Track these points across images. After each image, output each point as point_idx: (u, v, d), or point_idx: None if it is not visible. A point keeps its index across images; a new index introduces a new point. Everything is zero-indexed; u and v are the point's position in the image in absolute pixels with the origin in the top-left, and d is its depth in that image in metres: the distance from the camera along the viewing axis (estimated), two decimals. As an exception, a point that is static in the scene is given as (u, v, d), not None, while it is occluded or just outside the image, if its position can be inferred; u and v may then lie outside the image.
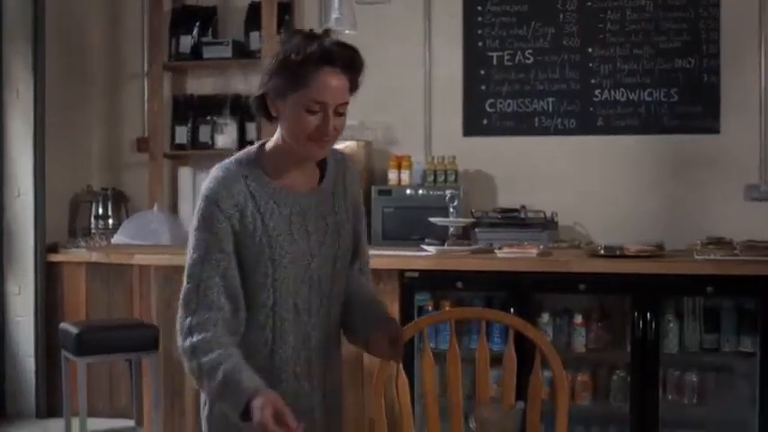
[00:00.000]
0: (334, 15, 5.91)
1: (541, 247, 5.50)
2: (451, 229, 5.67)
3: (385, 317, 2.94)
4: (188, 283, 2.69)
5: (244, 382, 2.54)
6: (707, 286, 4.98)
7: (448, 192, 5.99)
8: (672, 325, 5.18)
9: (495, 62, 7.06)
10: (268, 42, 7.00)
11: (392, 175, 6.89)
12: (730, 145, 6.68)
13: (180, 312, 2.70)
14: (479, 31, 7.09)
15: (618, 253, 5.21)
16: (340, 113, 2.70)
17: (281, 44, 2.70)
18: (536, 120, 6.99)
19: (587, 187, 6.82)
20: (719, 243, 5.20)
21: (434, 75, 7.15)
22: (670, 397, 5.26)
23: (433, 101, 7.15)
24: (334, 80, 2.66)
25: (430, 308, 5.29)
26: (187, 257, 2.71)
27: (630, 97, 6.84)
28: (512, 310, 5.03)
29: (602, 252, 5.27)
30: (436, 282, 5.24)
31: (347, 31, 6.19)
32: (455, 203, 5.74)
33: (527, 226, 6.46)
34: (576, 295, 5.28)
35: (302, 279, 2.79)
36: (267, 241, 2.72)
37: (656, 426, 5.04)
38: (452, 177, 6.80)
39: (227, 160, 2.80)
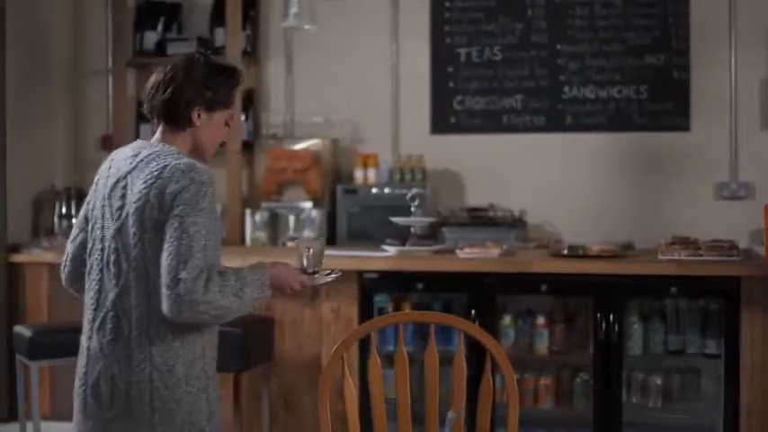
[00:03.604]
0: (293, 10, 5.83)
1: (504, 246, 5.42)
2: (413, 229, 5.58)
3: None
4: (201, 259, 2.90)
5: (258, 272, 3.02)
6: (670, 287, 4.91)
7: (411, 191, 5.90)
8: (636, 326, 5.12)
9: (463, 59, 6.96)
10: (233, 38, 6.92)
11: (359, 174, 6.79)
12: (700, 143, 6.59)
13: (199, 285, 2.85)
14: (447, 27, 6.98)
15: (581, 253, 5.14)
16: None
17: (203, 64, 3.13)
18: (504, 117, 6.89)
19: (557, 185, 6.73)
20: (684, 243, 5.12)
21: (402, 71, 7.05)
22: (634, 400, 5.21)
23: (401, 98, 7.04)
24: None
25: (390, 309, 5.21)
26: (199, 233, 2.90)
27: (599, 94, 6.75)
28: (473, 311, 4.97)
29: (566, 252, 5.20)
30: (396, 283, 5.16)
31: (306, 27, 6.12)
32: (416, 203, 5.65)
33: (495, 225, 6.34)
34: (538, 296, 5.21)
35: None
36: None
37: (619, 429, 4.97)
38: (420, 176, 6.70)
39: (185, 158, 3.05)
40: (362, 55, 6.98)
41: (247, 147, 7.10)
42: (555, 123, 6.82)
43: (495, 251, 5.17)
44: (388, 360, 4.58)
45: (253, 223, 6.72)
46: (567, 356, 5.29)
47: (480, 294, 5.05)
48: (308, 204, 6.75)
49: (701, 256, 4.97)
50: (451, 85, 6.96)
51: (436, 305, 5.27)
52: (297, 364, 5.37)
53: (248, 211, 6.79)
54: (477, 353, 3.32)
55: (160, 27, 7.33)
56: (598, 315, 4.93)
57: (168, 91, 3.08)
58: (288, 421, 5.38)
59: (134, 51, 7.33)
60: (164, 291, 2.84)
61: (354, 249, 5.53)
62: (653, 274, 4.92)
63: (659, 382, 5.18)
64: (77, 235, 3.16)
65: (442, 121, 6.97)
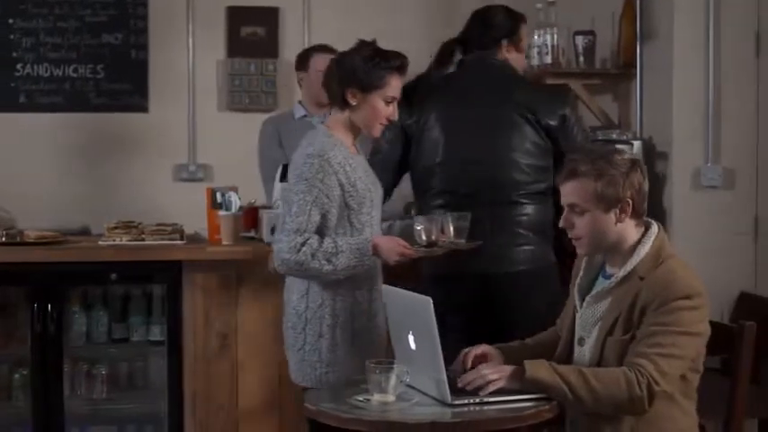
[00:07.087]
0: None
1: (-64, 235, 4.98)
2: None
3: None
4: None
5: (359, 240, 3.57)
6: (111, 273, 4.72)
7: None
8: (77, 315, 4.91)
9: None
10: None
11: None
12: (160, 124, 6.50)
13: (292, 247, 3.51)
14: None
15: (18, 240, 4.84)
16: None
17: (361, 49, 3.61)
18: (-52, 96, 6.43)
19: (12, 168, 6.34)
20: (127, 227, 4.94)
21: None
22: (79, 392, 4.97)
23: None
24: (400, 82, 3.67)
25: None
26: (303, 200, 3.52)
27: (55, 73, 6.44)
28: None
29: (3, 239, 4.87)
30: None
31: None
32: None
33: (-62, 212, 5.91)
34: (-31, 289, 4.84)
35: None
36: None
37: (62, 425, 4.73)
38: None
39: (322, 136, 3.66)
40: None
41: None
42: (7, 102, 6.44)
43: None
44: None
45: None
46: (4, 351, 4.96)
47: None
48: None
49: (144, 240, 4.83)
50: None
51: None
52: None
53: None
54: None
55: None
56: (35, 305, 4.66)
57: (328, 74, 3.64)
58: None
59: None
60: None
61: None
62: (93, 261, 4.71)
63: (104, 372, 4.99)
64: None
65: None
